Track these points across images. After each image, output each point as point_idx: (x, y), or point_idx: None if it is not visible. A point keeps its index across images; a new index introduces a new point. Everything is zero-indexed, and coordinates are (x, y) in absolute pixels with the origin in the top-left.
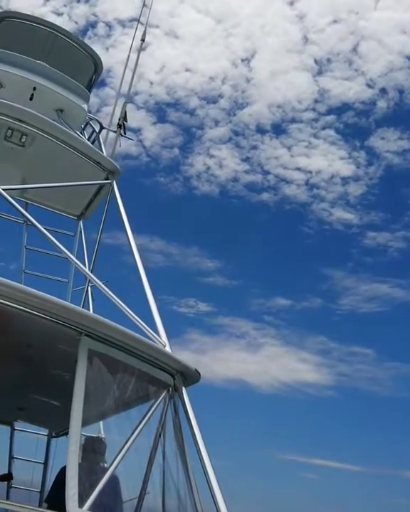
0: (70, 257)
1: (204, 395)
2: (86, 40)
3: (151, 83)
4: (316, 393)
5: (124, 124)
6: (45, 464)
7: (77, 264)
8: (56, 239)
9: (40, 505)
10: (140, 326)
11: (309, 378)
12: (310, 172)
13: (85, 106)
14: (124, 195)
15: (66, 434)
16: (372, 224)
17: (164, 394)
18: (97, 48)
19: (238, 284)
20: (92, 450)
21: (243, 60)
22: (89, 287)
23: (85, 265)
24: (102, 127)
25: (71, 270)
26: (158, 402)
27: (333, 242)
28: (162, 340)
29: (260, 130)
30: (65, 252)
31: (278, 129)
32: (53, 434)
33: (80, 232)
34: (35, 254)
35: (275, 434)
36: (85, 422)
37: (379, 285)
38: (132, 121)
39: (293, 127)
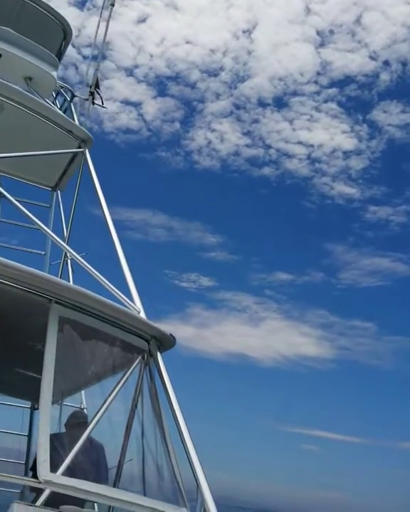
0: (45, 229)
1: (206, 368)
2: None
3: (152, 56)
4: (317, 366)
5: (96, 92)
6: (29, 436)
7: (52, 236)
8: (32, 211)
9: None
10: (114, 293)
11: (311, 352)
12: (312, 146)
13: (54, 73)
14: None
15: None
16: (374, 198)
17: (139, 360)
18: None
19: (239, 259)
20: (74, 422)
21: (244, 32)
22: (68, 260)
23: (62, 238)
24: (73, 95)
25: (48, 243)
26: (133, 368)
27: (334, 217)
28: (136, 306)
29: (262, 103)
30: (39, 224)
31: (280, 103)
32: (36, 407)
33: (56, 203)
34: (10, 227)
35: (276, 407)
36: (65, 393)
37: (380, 259)
38: (132, 95)
39: (295, 100)
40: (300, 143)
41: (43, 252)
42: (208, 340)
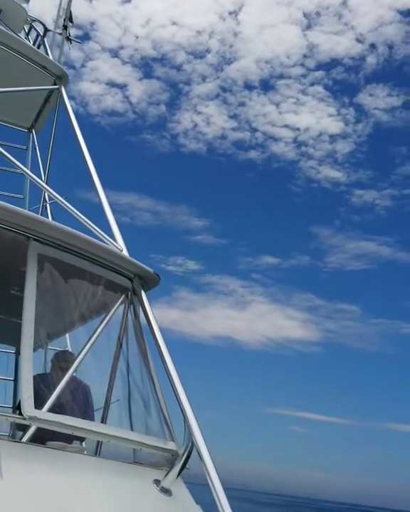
0: (24, 170)
1: (193, 351)
2: None
3: (137, 37)
4: (303, 349)
5: (69, 25)
6: (15, 380)
7: (31, 176)
8: (7, 153)
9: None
10: (95, 232)
11: (297, 335)
12: (298, 129)
13: (25, 6)
14: (101, 150)
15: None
16: (359, 182)
17: (122, 298)
18: None
19: (226, 243)
20: (61, 364)
21: (230, 13)
22: (47, 204)
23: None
24: (46, 29)
25: (26, 186)
26: (117, 306)
27: (321, 201)
28: (119, 244)
29: (248, 86)
30: (18, 165)
31: (266, 85)
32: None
33: (33, 145)
34: None
35: (263, 389)
36: (50, 336)
37: (366, 243)
38: (117, 77)
39: (281, 83)
40: (286, 126)
41: (21, 196)
42: (195, 324)
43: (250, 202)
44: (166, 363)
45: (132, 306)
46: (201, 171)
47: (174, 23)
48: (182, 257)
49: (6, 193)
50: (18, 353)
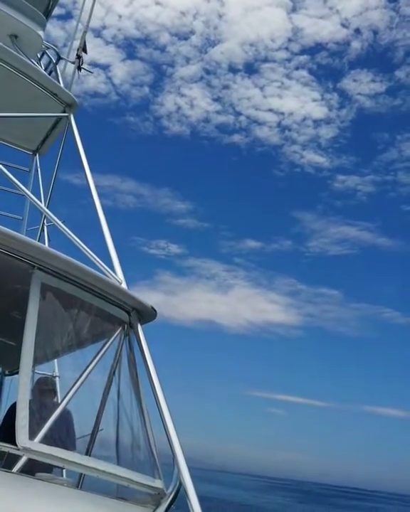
0: (26, 192)
1: (175, 334)
2: None
3: (120, 17)
4: (284, 333)
5: (83, 55)
6: None
7: (32, 199)
8: (11, 175)
9: None
10: (96, 262)
11: (278, 319)
12: (282, 114)
13: (41, 33)
14: (83, 132)
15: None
16: (342, 167)
17: (119, 331)
18: None
19: (209, 226)
20: (43, 388)
21: None
22: (45, 225)
23: (40, 202)
24: (59, 57)
25: (26, 207)
26: (113, 338)
27: (303, 185)
28: (118, 277)
29: (232, 69)
30: (19, 187)
31: (251, 69)
32: (7, 373)
33: (36, 168)
34: None
35: (244, 372)
36: (39, 360)
37: (348, 228)
38: (100, 57)
39: (266, 67)
40: (270, 110)
41: (21, 217)
42: (177, 307)
43: (233, 186)
44: (158, 398)
45: (127, 339)
46: (184, 154)
47: (157, 3)
48: (165, 240)
49: (5, 213)
50: (3, 374)
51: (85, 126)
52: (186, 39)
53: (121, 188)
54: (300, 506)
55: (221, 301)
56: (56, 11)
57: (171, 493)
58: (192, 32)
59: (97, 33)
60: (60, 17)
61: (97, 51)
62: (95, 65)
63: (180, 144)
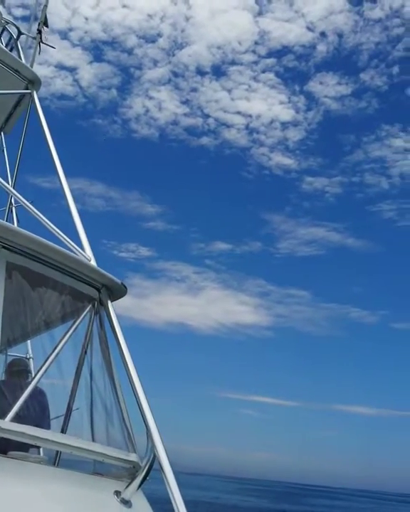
0: None
1: (146, 337)
2: None
3: (87, 19)
4: (254, 334)
5: (44, 30)
6: None
7: None
8: None
9: None
10: (64, 240)
11: (248, 320)
12: (250, 116)
13: (0, 8)
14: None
15: None
16: (310, 169)
17: (89, 308)
18: None
19: (178, 229)
20: (14, 369)
21: None
22: (13, 208)
23: (7, 182)
24: (20, 33)
25: None
26: (83, 316)
27: (272, 187)
28: (87, 254)
29: (200, 72)
30: None
31: (218, 71)
32: None
33: (2, 147)
34: None
35: (215, 373)
36: (10, 342)
37: (316, 229)
38: (67, 59)
39: (233, 69)
40: (238, 113)
41: None
42: (148, 310)
43: (202, 188)
44: (130, 374)
45: (98, 316)
46: (153, 157)
47: (124, 6)
48: (135, 243)
49: None
50: None
51: (54, 129)
52: (153, 42)
53: (90, 191)
54: (273, 506)
55: (191, 303)
56: None
57: (145, 466)
58: (159, 35)
59: (64, 36)
60: None
61: (64, 54)
62: (61, 67)
63: (149, 147)
